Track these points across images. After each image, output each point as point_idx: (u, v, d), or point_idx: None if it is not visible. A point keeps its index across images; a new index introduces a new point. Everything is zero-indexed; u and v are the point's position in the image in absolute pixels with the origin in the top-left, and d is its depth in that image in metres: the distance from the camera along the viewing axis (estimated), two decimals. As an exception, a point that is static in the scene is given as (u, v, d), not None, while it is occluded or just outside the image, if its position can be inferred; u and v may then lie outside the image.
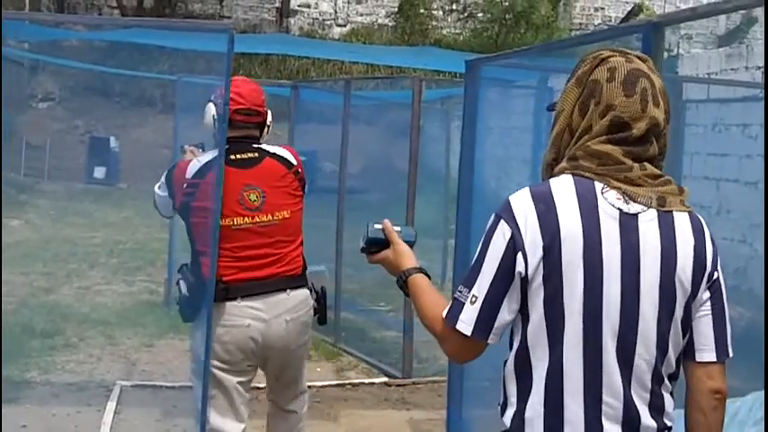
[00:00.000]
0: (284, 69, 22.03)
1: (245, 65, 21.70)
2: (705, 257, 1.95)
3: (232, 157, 3.65)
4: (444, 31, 23.71)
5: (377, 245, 2.20)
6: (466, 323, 1.92)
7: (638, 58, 2.00)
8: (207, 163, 3.68)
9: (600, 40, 4.73)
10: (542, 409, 1.91)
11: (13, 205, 15.08)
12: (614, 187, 1.91)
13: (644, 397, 1.92)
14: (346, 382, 6.32)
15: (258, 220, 3.63)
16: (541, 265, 1.87)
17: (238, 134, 3.70)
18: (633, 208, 1.91)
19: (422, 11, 23.64)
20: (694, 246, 1.94)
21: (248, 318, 3.59)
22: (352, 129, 7.64)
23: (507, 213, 1.92)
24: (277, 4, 25.78)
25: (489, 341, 1.94)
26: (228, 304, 3.59)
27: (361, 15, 25.69)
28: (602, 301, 1.88)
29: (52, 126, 20.88)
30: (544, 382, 1.91)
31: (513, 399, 1.96)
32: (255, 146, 3.73)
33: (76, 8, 25.44)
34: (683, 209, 1.96)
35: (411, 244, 2.20)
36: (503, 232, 1.91)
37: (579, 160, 1.94)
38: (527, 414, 1.92)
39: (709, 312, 1.96)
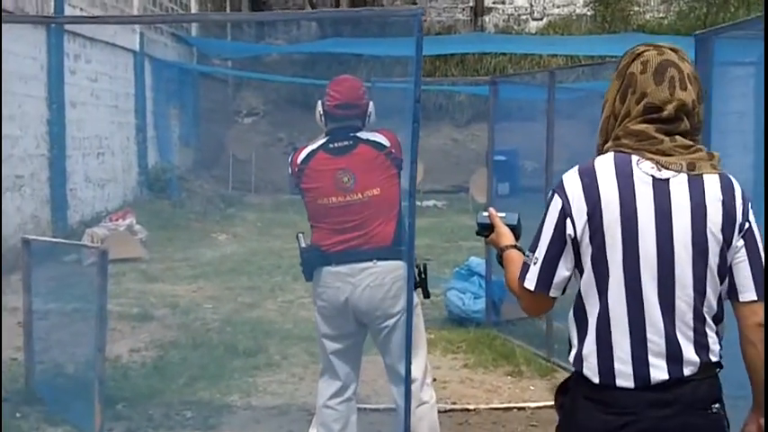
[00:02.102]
0: (481, 68, 21.50)
1: (440, 67, 21.41)
2: (735, 211, 2.25)
3: (331, 145, 4.27)
4: (647, 16, 22.46)
5: (487, 229, 2.63)
6: (530, 280, 2.35)
7: (671, 49, 2.33)
8: (312, 150, 4.30)
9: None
10: (595, 347, 2.26)
11: (222, 219, 15.41)
12: (648, 158, 2.26)
13: (688, 335, 2.23)
14: (564, 402, 5.74)
15: (350, 198, 4.18)
16: (587, 227, 2.26)
17: (339, 125, 4.29)
18: (665, 174, 2.25)
19: (622, -4, 22.49)
20: (723, 201, 2.24)
21: (338, 281, 4.19)
22: (555, 123, 7.04)
23: (560, 188, 2.32)
24: (471, 4, 25.32)
25: (551, 294, 2.34)
26: (325, 269, 4.22)
27: (558, 7, 24.80)
28: (638, 253, 2.22)
29: (257, 140, 21.35)
30: (596, 324, 2.26)
31: (574, 341, 2.33)
32: (352, 134, 4.26)
33: (276, 23, 26.02)
34: (713, 171, 2.27)
35: (513, 227, 2.60)
36: (555, 204, 2.31)
37: (621, 139, 2.31)
38: (584, 352, 2.29)
39: (745, 258, 2.26)
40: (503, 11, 25.26)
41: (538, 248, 2.33)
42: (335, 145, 4.27)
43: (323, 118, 4.35)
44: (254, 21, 22.48)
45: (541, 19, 24.82)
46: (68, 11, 12.43)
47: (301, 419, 5.40)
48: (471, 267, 7.71)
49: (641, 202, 2.23)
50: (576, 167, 2.33)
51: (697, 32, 3.47)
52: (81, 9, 13.08)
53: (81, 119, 13.15)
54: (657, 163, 2.25)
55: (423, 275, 4.31)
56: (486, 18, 25.08)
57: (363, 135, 4.28)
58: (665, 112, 2.26)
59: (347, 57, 18.19)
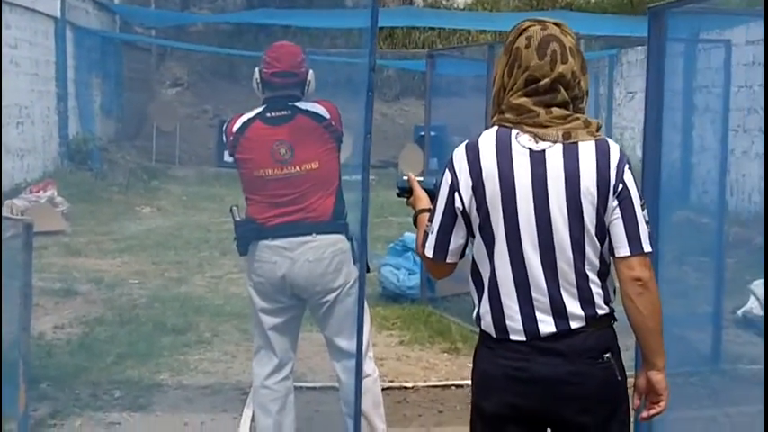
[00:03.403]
0: (409, 43, 21.45)
1: (369, 40, 21.23)
2: (608, 173, 2.40)
3: (268, 115, 4.09)
4: (575, -6, 22.58)
5: (407, 192, 2.81)
6: (429, 248, 2.56)
7: (554, 23, 2.46)
8: (248, 119, 4.10)
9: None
10: (489, 307, 2.47)
11: (146, 192, 15.05)
12: (526, 131, 2.42)
13: (572, 292, 2.41)
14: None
15: (287, 171, 4.03)
16: (473, 200, 2.44)
17: (277, 94, 4.09)
18: (541, 145, 2.41)
19: (551, -26, 22.56)
20: (597, 166, 2.39)
21: (276, 255, 4.04)
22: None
23: (450, 164, 2.50)
24: (399, -23, 25.15)
25: (448, 260, 2.55)
26: (261, 243, 4.07)
27: (487, -17, 24.81)
28: (518, 219, 2.40)
29: (181, 111, 20.92)
30: (488, 286, 2.47)
31: (475, 301, 2.54)
32: (290, 104, 4.08)
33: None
34: (589, 138, 2.42)
35: (430, 191, 2.72)
36: (446, 179, 2.49)
37: (504, 113, 2.47)
38: (480, 311, 2.51)
39: (620, 216, 2.40)
40: (431, -15, 25.16)
41: (434, 219, 2.52)
42: (273, 114, 4.09)
43: (260, 86, 4.15)
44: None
45: (470, -6, 24.79)
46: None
47: (235, 398, 5.26)
48: (406, 243, 7.63)
49: (519, 173, 2.40)
50: (465, 143, 2.49)
51: (651, 6, 3.42)
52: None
53: (-1, 87, 12.67)
54: (535, 135, 2.41)
55: None
56: (415, -8, 24.95)
57: (302, 105, 4.10)
58: (541, 84, 2.39)
59: (274, 28, 17.90)
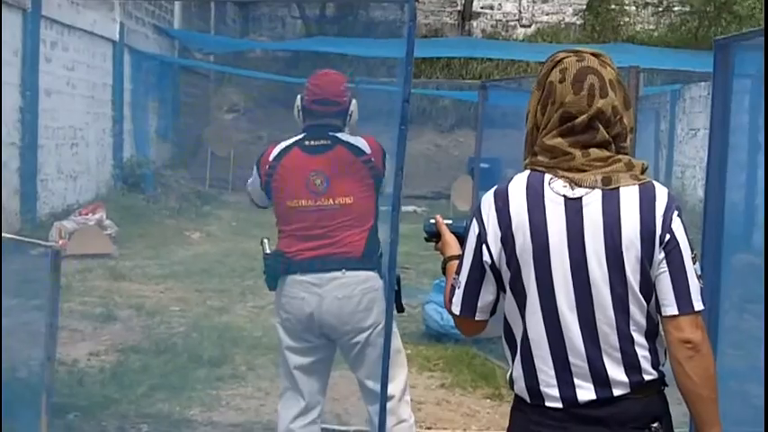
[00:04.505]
0: (467, 74, 21.28)
1: (426, 70, 21.13)
2: (653, 223, 2.15)
3: (306, 143, 3.96)
4: (638, 28, 22.27)
5: (435, 236, 2.59)
6: (455, 304, 2.32)
7: (592, 54, 2.24)
8: (287, 146, 3.97)
9: None
10: (522, 371, 2.22)
11: (197, 217, 14.99)
12: (561, 176, 2.19)
13: (615, 356, 2.15)
14: None
15: (320, 203, 3.88)
16: (502, 253, 2.21)
17: (317, 122, 3.97)
18: (577, 192, 2.17)
19: (613, 7, 22.30)
20: (640, 214, 2.14)
21: (304, 291, 3.87)
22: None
23: (477, 212, 2.28)
24: (459, 8, 25.07)
25: (477, 318, 2.29)
26: (289, 278, 3.90)
27: (547, 15, 24.61)
28: (551, 276, 2.16)
29: (236, 137, 20.94)
30: (520, 348, 2.23)
31: (509, 361, 2.30)
32: (331, 134, 3.94)
33: (261, 20, 25.67)
34: (632, 182, 2.18)
35: (460, 235, 2.46)
36: (473, 229, 2.27)
37: (537, 156, 2.24)
38: (513, 374, 2.26)
39: (666, 270, 2.15)
40: (491, 16, 25.05)
41: (461, 272, 2.30)
42: (311, 143, 3.97)
43: (300, 114, 4.03)
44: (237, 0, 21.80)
45: (530, 26, 24.63)
46: (45, -3, 12.01)
47: (265, 440, 5.05)
48: (452, 280, 7.37)
49: (552, 224, 2.18)
50: (494, 189, 2.27)
51: (717, 39, 3.18)
52: (58, -5, 12.68)
53: (55, 108, 12.75)
54: (570, 180, 2.19)
55: (396, 288, 3.93)
56: (474, 23, 24.86)
57: (343, 137, 3.97)
58: (578, 122, 2.17)
59: (332, 56, 17.89)
